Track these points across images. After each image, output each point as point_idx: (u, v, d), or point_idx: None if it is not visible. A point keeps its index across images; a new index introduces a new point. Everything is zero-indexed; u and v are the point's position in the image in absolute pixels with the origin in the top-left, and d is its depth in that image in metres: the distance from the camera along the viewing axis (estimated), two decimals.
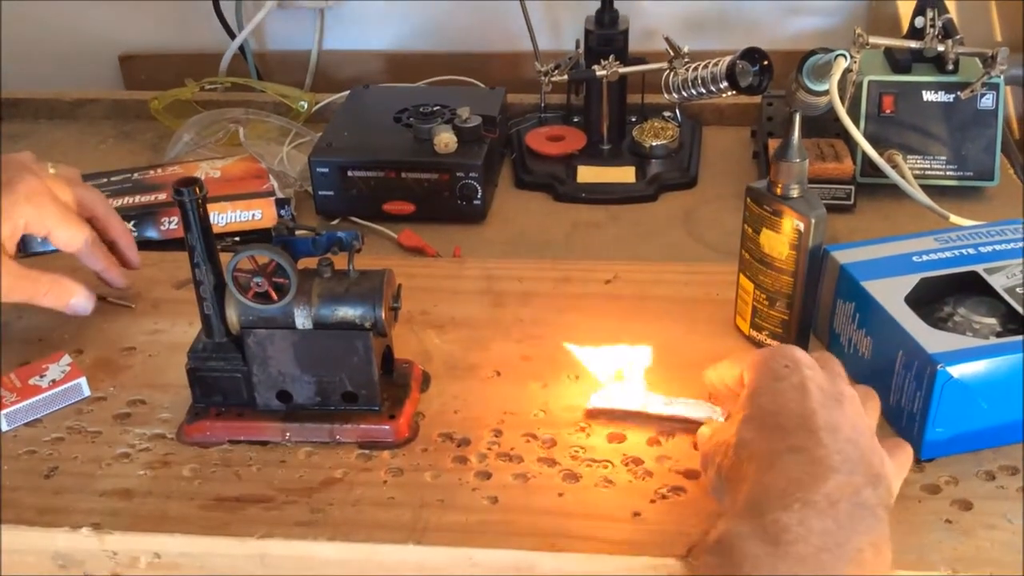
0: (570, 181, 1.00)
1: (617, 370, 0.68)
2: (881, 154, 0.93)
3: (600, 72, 0.99)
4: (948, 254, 0.70)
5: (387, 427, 0.66)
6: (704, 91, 0.97)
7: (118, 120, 1.20)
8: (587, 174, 1.01)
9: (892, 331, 0.64)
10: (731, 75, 0.95)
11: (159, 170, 0.99)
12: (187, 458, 0.66)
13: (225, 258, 0.63)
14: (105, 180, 0.98)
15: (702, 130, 1.10)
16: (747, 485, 0.52)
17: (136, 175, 0.99)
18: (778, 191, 0.68)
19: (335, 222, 0.96)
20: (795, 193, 0.68)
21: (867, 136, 0.94)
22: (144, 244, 0.87)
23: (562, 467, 0.64)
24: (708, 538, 0.51)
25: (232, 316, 0.64)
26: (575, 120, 1.09)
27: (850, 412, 0.56)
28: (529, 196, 1.01)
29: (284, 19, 1.24)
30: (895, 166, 0.91)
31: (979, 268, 0.68)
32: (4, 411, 0.68)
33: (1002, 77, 0.93)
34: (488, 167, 0.95)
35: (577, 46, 1.04)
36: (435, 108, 0.99)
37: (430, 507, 0.61)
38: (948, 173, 0.95)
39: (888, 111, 0.95)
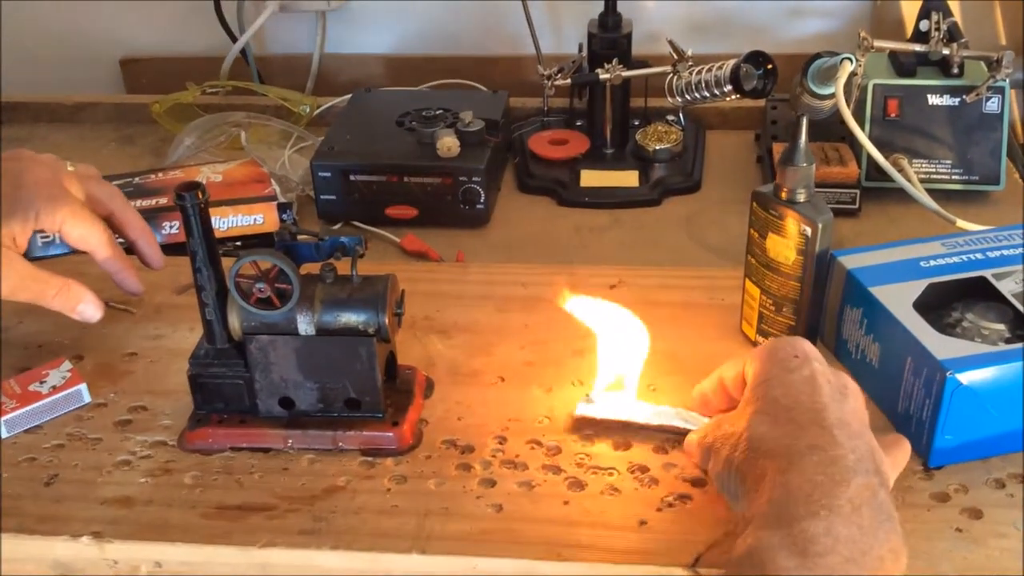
0: (573, 185, 1.00)
1: (618, 377, 0.68)
2: (886, 158, 0.93)
3: (603, 76, 0.98)
4: (956, 259, 0.69)
5: (390, 434, 0.65)
6: (708, 95, 0.97)
7: (119, 124, 1.19)
8: (590, 178, 1.00)
9: (900, 337, 0.63)
10: (735, 78, 0.94)
11: (160, 174, 0.99)
12: (189, 465, 0.65)
13: (227, 263, 0.63)
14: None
15: (706, 134, 1.10)
16: (768, 485, 0.52)
17: (137, 179, 0.98)
18: (784, 195, 0.67)
19: (337, 226, 0.96)
20: (802, 197, 0.67)
21: (872, 140, 0.93)
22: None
23: (567, 475, 0.63)
24: (737, 548, 0.50)
25: (234, 322, 0.64)
26: (578, 124, 1.08)
27: (855, 406, 0.56)
28: (532, 200, 1.00)
29: (286, 22, 1.23)
30: (900, 170, 0.90)
31: (987, 273, 0.68)
32: (4, 418, 0.67)
33: (1007, 81, 0.92)
34: (491, 171, 0.95)
35: (580, 49, 1.04)
36: (438, 112, 0.98)
37: (434, 515, 0.60)
38: (954, 177, 0.95)
39: (893, 115, 0.94)
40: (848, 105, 0.95)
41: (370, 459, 0.65)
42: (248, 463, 0.65)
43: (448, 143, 0.92)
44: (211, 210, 0.91)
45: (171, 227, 0.91)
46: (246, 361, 0.65)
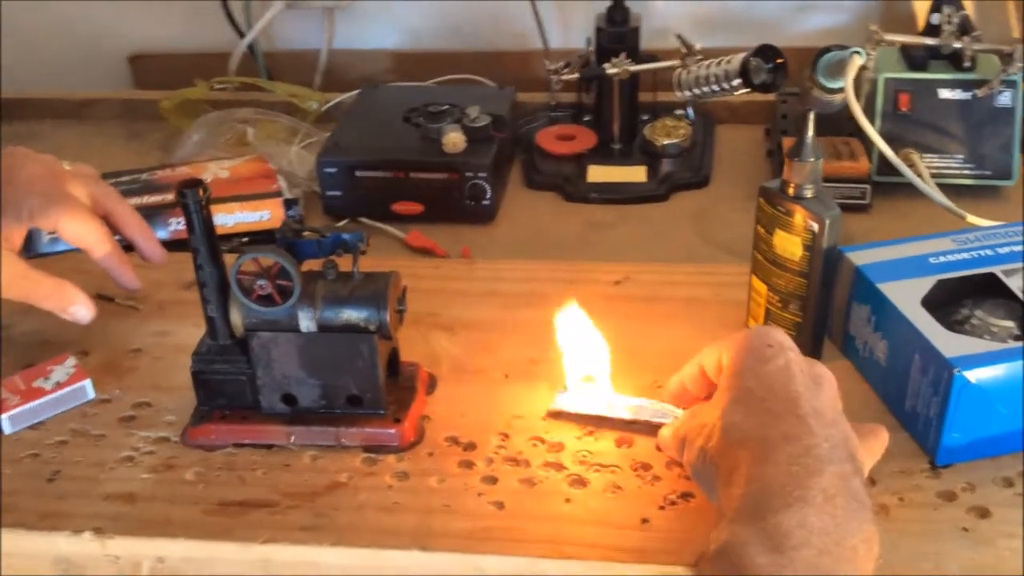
0: (580, 181, 0.99)
1: (587, 374, 0.67)
2: (897, 152, 0.91)
3: (611, 70, 0.98)
4: (965, 255, 0.68)
5: (392, 431, 0.65)
6: (717, 89, 0.96)
7: (127, 120, 1.19)
8: (597, 173, 1.00)
9: (908, 334, 0.62)
10: (744, 72, 0.93)
11: (168, 170, 0.99)
12: (191, 461, 0.65)
13: (231, 260, 0.63)
14: (114, 180, 0.98)
15: (715, 128, 1.09)
16: (742, 477, 0.52)
17: (145, 175, 0.98)
18: (791, 191, 0.67)
19: (343, 222, 0.95)
20: (809, 193, 0.66)
21: (883, 134, 0.92)
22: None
23: (569, 472, 0.63)
24: (711, 546, 0.50)
25: (236, 318, 0.64)
26: (586, 119, 1.07)
27: (830, 394, 0.56)
28: (539, 196, 1.00)
29: (293, 18, 1.23)
30: (911, 165, 0.89)
31: (997, 270, 0.67)
32: (7, 414, 0.67)
33: (1020, 75, 0.91)
34: (497, 167, 0.94)
35: (588, 44, 1.03)
36: (444, 107, 0.98)
37: (435, 512, 0.60)
38: (965, 172, 0.94)
39: (904, 109, 0.93)
40: (858, 99, 0.94)
41: (372, 456, 0.65)
42: (251, 459, 0.65)
43: (454, 139, 0.92)
44: (217, 206, 0.92)
45: (178, 223, 0.91)
46: (248, 358, 0.65)
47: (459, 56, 1.20)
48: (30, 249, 0.87)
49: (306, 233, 0.64)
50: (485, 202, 0.93)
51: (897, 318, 0.63)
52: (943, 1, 0.93)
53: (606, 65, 0.98)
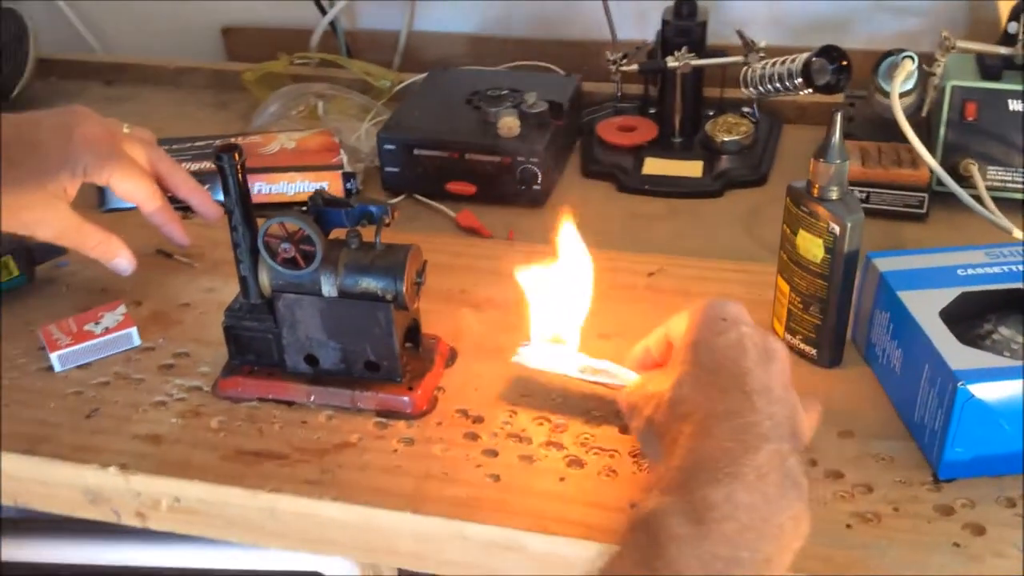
0: (635, 172, 0.99)
1: (555, 335, 0.68)
2: (958, 163, 0.90)
3: (672, 64, 0.98)
4: (997, 269, 0.67)
5: (405, 398, 0.68)
6: (780, 87, 0.96)
7: (217, 89, 1.25)
8: (653, 166, 1.00)
9: (921, 344, 0.61)
10: (807, 72, 0.93)
11: (240, 138, 1.03)
12: (217, 411, 0.69)
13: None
14: (189, 145, 1.03)
15: (781, 127, 1.08)
16: (681, 451, 0.52)
17: (218, 141, 1.03)
18: (816, 192, 0.66)
19: (399, 198, 0.98)
20: (834, 195, 0.66)
21: (946, 144, 0.90)
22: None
23: (568, 453, 0.64)
24: (638, 513, 0.50)
25: (264, 279, 0.67)
26: (651, 112, 1.08)
27: (780, 369, 0.56)
28: (593, 185, 1.00)
29: None
30: (969, 176, 0.87)
31: None
32: (57, 353, 0.72)
33: None
34: (551, 153, 0.95)
35: (657, 37, 1.03)
36: (504, 92, 0.99)
37: (433, 479, 0.63)
38: None
39: (970, 118, 0.90)
40: (924, 106, 0.92)
41: (384, 420, 0.67)
42: (271, 413, 0.69)
43: (509, 123, 0.94)
44: (280, 175, 0.97)
45: None
46: (275, 317, 0.68)
47: (534, 43, 1.22)
48: (103, 204, 0.93)
49: (338, 203, 0.67)
50: (536, 187, 0.94)
51: (912, 327, 0.63)
52: (1021, 10, 0.90)
53: (668, 59, 0.98)
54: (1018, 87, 0.89)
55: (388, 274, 0.65)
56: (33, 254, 0.81)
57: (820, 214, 0.66)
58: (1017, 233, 0.80)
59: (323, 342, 0.68)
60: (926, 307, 0.63)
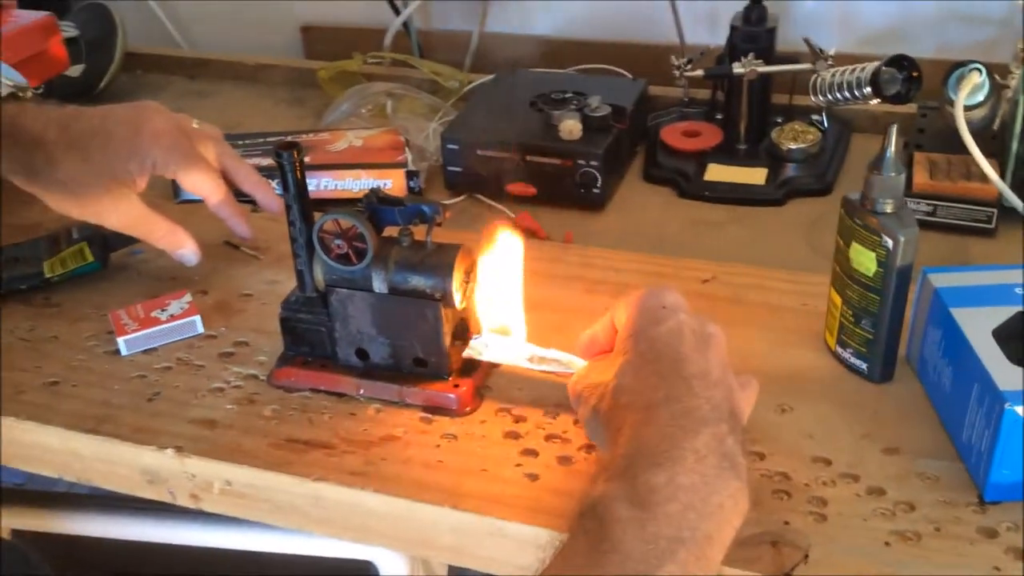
0: (697, 178, 0.99)
1: (501, 325, 0.68)
2: None
3: (738, 70, 0.97)
4: None
5: (451, 395, 0.69)
6: (849, 96, 0.94)
7: (293, 86, 1.28)
8: (716, 172, 1.00)
9: (970, 362, 0.60)
10: (875, 82, 0.91)
11: (311, 135, 1.06)
12: (271, 399, 0.72)
13: None
14: (261, 140, 1.07)
15: (851, 136, 1.06)
16: (625, 438, 0.54)
17: (289, 137, 1.06)
18: (870, 205, 0.65)
19: (461, 198, 1.00)
20: (888, 208, 0.65)
21: (1019, 158, 0.88)
22: None
23: None
24: (586, 500, 0.52)
25: (319, 274, 0.69)
26: (718, 117, 1.07)
27: (718, 353, 0.58)
28: (654, 190, 1.01)
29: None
30: None
31: None
32: (124, 337, 0.76)
33: None
34: (612, 157, 0.96)
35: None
36: (567, 95, 1.00)
37: (472, 475, 0.64)
38: None
39: None
40: (995, 119, 0.90)
41: (429, 416, 0.69)
42: (322, 404, 0.71)
43: (570, 126, 0.94)
44: (345, 172, 0.99)
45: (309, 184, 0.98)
46: (328, 311, 0.70)
47: (604, 46, 1.22)
48: (176, 195, 0.96)
49: (392, 201, 0.68)
50: (595, 190, 0.95)
51: (963, 345, 0.61)
52: None
53: (734, 65, 0.97)
54: None
55: (437, 273, 0.66)
56: (108, 242, 0.85)
57: (873, 227, 0.65)
58: None
59: (373, 337, 0.70)
60: (979, 325, 0.62)
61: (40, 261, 0.83)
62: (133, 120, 0.77)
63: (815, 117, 1.04)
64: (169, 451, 0.67)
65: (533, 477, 0.63)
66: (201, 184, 0.78)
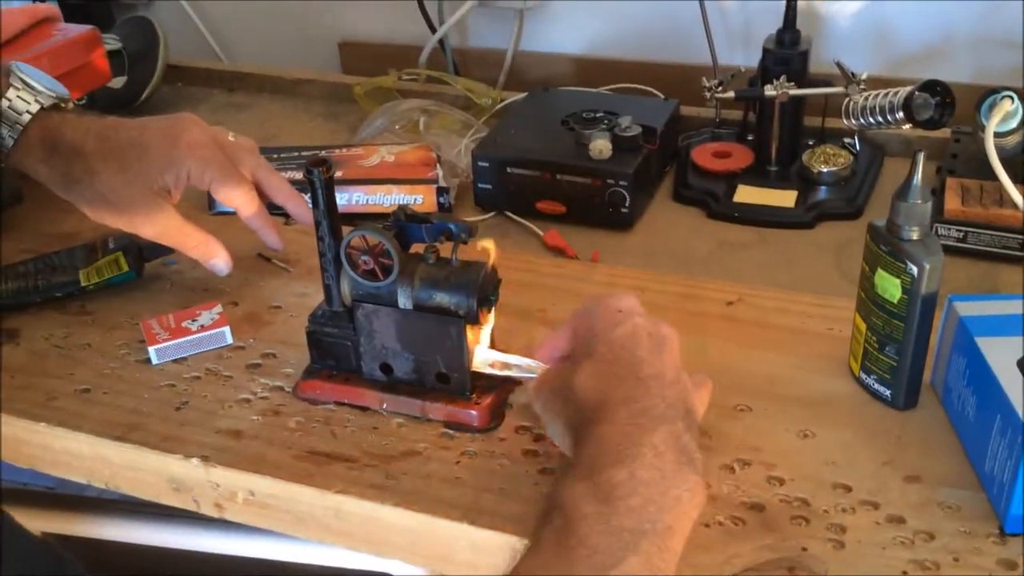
0: (726, 199, 0.99)
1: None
2: None
3: (770, 92, 0.97)
4: None
5: (473, 412, 0.69)
6: (881, 120, 0.94)
7: (329, 101, 1.30)
8: (746, 194, 1.00)
9: (993, 392, 0.60)
10: (908, 107, 0.91)
11: (344, 149, 1.08)
12: (296, 411, 0.73)
13: None
14: (296, 154, 1.08)
15: (883, 160, 1.06)
16: (587, 439, 0.57)
17: (323, 152, 1.08)
18: (896, 232, 0.65)
19: (490, 215, 1.01)
20: (914, 236, 0.65)
21: None
22: None
23: None
24: (553, 499, 0.54)
25: (346, 288, 0.70)
26: (749, 138, 1.07)
27: (671, 354, 0.61)
28: (683, 210, 1.01)
29: (486, 17, 1.30)
30: None
31: None
32: (155, 347, 0.77)
33: None
34: (641, 177, 0.96)
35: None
36: (598, 115, 1.01)
37: (491, 493, 0.64)
38: None
39: None
40: None
41: (450, 432, 0.70)
42: (345, 417, 0.72)
43: (600, 146, 0.95)
44: (376, 187, 1.00)
45: (339, 198, 1.00)
46: (354, 326, 0.71)
47: (638, 65, 1.23)
48: (211, 207, 0.98)
49: (419, 219, 0.69)
50: (624, 210, 0.95)
51: (987, 374, 0.61)
52: None
53: (766, 87, 0.97)
54: None
55: (461, 290, 0.67)
56: (143, 252, 0.86)
57: (899, 254, 0.65)
58: None
59: (397, 352, 0.71)
60: (1004, 355, 0.62)
61: (76, 270, 0.85)
62: (170, 132, 0.79)
63: (847, 140, 1.04)
64: (195, 460, 0.68)
65: None
66: (234, 196, 0.80)
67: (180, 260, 0.88)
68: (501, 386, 0.71)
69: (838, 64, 0.93)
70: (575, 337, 0.65)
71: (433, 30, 1.28)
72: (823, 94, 0.98)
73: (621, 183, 0.94)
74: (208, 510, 0.70)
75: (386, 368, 0.72)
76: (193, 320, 0.79)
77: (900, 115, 0.91)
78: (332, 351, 0.73)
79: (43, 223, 0.96)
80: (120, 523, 0.86)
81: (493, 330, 0.72)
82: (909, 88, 0.91)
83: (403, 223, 0.69)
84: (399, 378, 0.72)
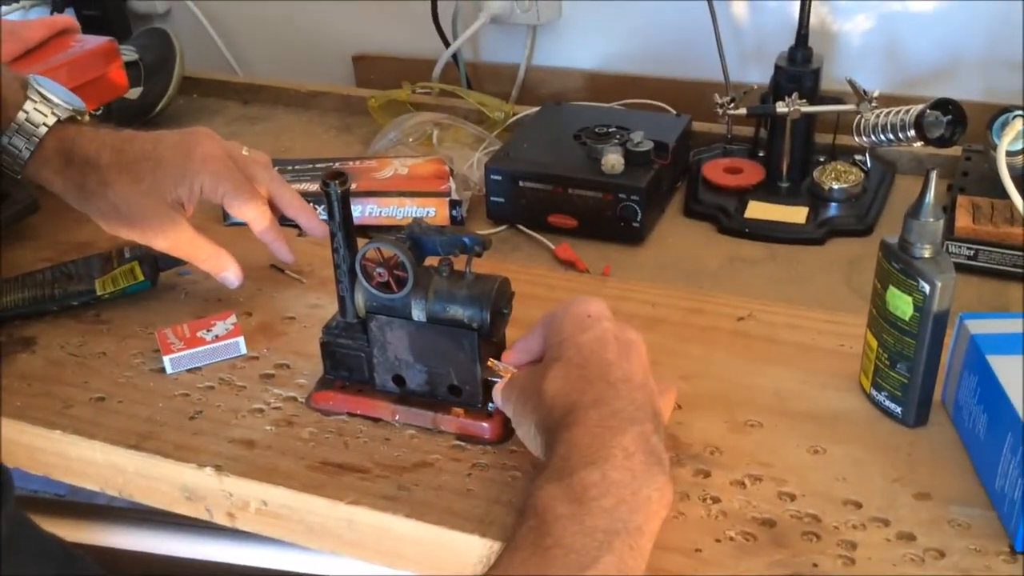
0: (737, 215, 1.00)
1: None
2: None
3: (781, 109, 0.98)
4: None
5: (484, 424, 0.70)
6: (892, 138, 0.95)
7: (343, 113, 1.31)
8: (756, 210, 1.00)
9: (1005, 411, 0.60)
10: (919, 125, 0.91)
11: (357, 162, 1.08)
12: (309, 421, 0.73)
13: None
14: (311, 166, 1.09)
15: (894, 178, 1.06)
16: (559, 443, 0.58)
17: (337, 164, 1.08)
18: (908, 250, 0.65)
19: (502, 228, 1.01)
20: (926, 254, 0.65)
21: None
22: None
23: None
24: (528, 502, 0.55)
25: (360, 300, 0.71)
26: (760, 155, 1.07)
27: (639, 357, 0.63)
28: (694, 225, 1.01)
29: (499, 33, 1.31)
30: None
31: None
32: (169, 356, 0.78)
33: None
34: (653, 192, 0.97)
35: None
36: (611, 129, 1.01)
37: (502, 505, 0.65)
38: None
39: None
40: None
41: (462, 444, 0.70)
42: (358, 428, 0.72)
43: (612, 160, 0.95)
44: (390, 199, 1.01)
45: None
46: (367, 337, 0.71)
47: (650, 81, 1.23)
48: (226, 218, 0.99)
49: (432, 232, 0.70)
50: (635, 224, 0.96)
51: (998, 392, 0.61)
52: None
53: (778, 104, 0.98)
54: None
55: (475, 303, 0.67)
56: (158, 261, 0.87)
57: (911, 272, 0.65)
58: None
59: (410, 364, 0.71)
60: (1015, 373, 0.62)
61: (92, 279, 0.86)
62: (184, 146, 0.80)
63: (858, 157, 1.04)
64: (208, 469, 0.69)
65: None
66: (247, 210, 0.81)
67: (194, 270, 0.89)
68: None
69: (850, 82, 0.94)
70: (544, 341, 0.66)
71: (447, 44, 1.29)
72: (835, 111, 0.98)
73: (633, 198, 0.94)
74: (221, 519, 0.71)
75: (399, 380, 0.72)
76: (207, 330, 0.80)
77: (912, 133, 0.92)
78: (345, 362, 0.74)
79: (59, 232, 0.97)
80: (131, 531, 0.86)
81: (506, 341, 0.72)
82: (921, 106, 0.91)
83: (417, 236, 0.70)
84: (411, 390, 0.72)
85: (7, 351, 0.81)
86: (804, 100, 0.98)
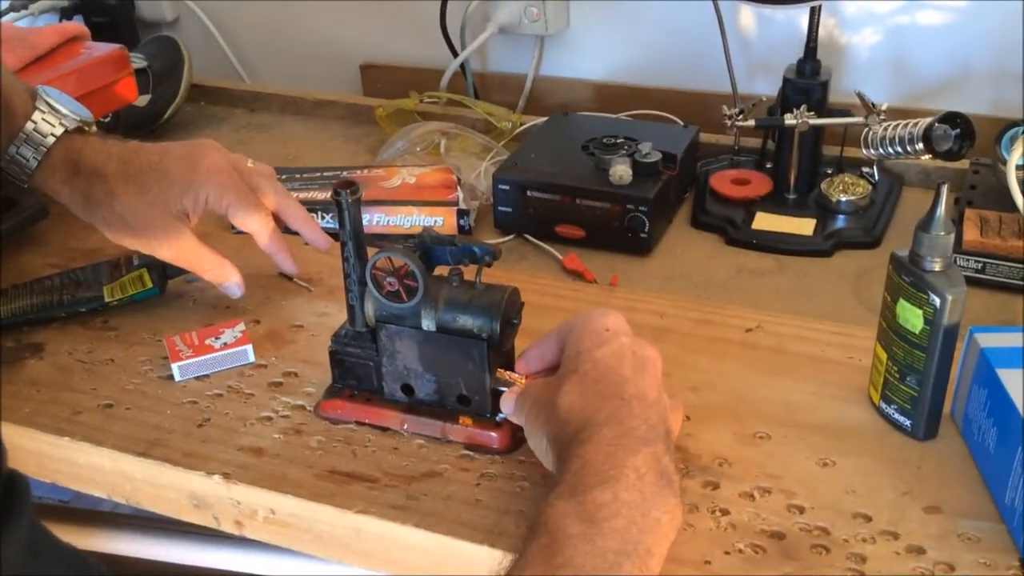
0: (745, 226, 1.00)
1: None
2: None
3: (789, 121, 0.98)
4: None
5: (493, 434, 0.70)
6: (900, 151, 0.95)
7: (350, 122, 1.31)
8: (764, 221, 1.00)
9: (1014, 425, 0.60)
10: (927, 138, 0.91)
11: (365, 171, 1.09)
12: (317, 430, 0.73)
13: None
14: (319, 175, 1.09)
15: (901, 190, 1.06)
16: (571, 457, 0.57)
17: (344, 173, 1.09)
18: (918, 263, 0.65)
19: (510, 237, 1.01)
20: (937, 267, 0.65)
21: None
22: (335, 236, 0.96)
23: None
24: (539, 518, 0.55)
25: (369, 309, 0.71)
26: (768, 166, 1.08)
27: (654, 374, 0.63)
28: (701, 236, 1.01)
29: (507, 43, 1.31)
30: None
31: None
32: (178, 363, 0.78)
33: None
34: (661, 203, 0.97)
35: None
36: (619, 140, 1.01)
37: (511, 515, 0.64)
38: None
39: None
40: None
41: (470, 453, 0.70)
42: (366, 437, 0.72)
43: (620, 171, 0.95)
44: (398, 208, 1.01)
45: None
46: (377, 346, 0.71)
47: (658, 92, 1.24)
48: (233, 227, 0.99)
49: (443, 241, 0.70)
50: (643, 235, 0.96)
51: (1007, 406, 0.61)
52: None
53: (786, 116, 0.98)
54: None
55: (485, 313, 0.67)
56: (166, 269, 0.87)
57: (921, 285, 0.65)
58: None
59: (419, 373, 0.71)
60: None
61: (101, 285, 0.86)
62: (190, 157, 0.80)
63: (866, 170, 1.05)
64: (216, 477, 0.69)
65: None
66: (251, 221, 0.81)
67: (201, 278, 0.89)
68: None
69: (859, 94, 0.94)
70: (559, 350, 0.66)
71: (455, 54, 1.29)
72: (843, 124, 0.99)
73: (640, 208, 0.95)
74: (228, 527, 0.71)
75: (407, 389, 0.72)
76: (216, 338, 0.80)
77: (920, 146, 0.92)
78: (354, 371, 0.74)
79: (68, 238, 0.97)
80: (136, 538, 0.86)
81: (514, 352, 0.72)
82: (929, 119, 0.91)
83: (427, 245, 0.70)
84: (420, 399, 0.72)
85: (16, 357, 0.81)
86: (812, 112, 0.98)
